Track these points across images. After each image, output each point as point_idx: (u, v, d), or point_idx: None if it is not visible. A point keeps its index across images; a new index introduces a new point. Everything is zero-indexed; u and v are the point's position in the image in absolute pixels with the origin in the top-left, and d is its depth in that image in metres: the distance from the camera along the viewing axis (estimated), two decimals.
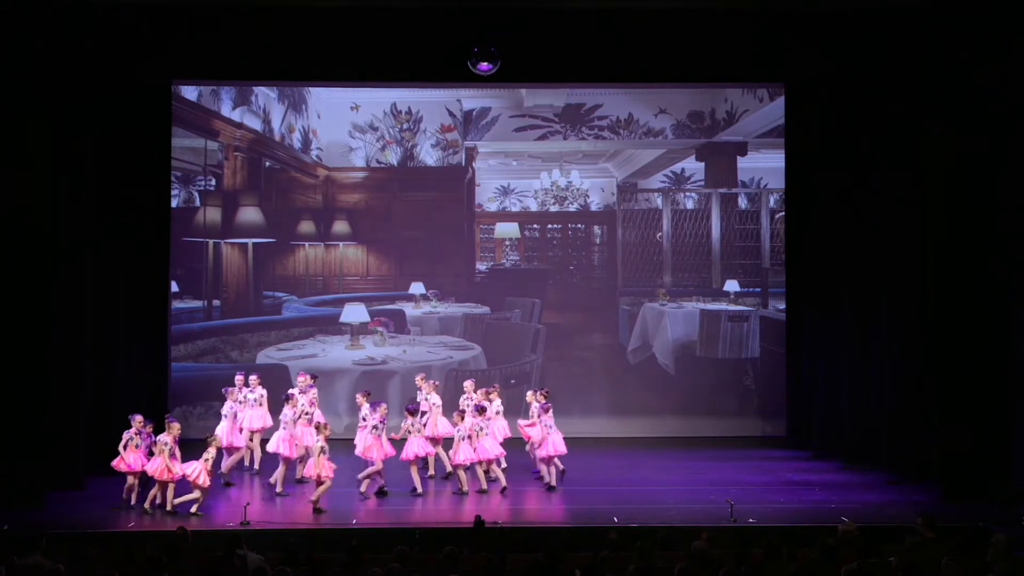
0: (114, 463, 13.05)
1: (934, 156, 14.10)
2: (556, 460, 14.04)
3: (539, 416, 14.01)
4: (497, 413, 14.51)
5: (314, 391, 14.66)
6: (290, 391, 14.39)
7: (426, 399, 14.60)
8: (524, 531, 11.93)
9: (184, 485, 12.78)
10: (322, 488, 12.77)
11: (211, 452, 12.86)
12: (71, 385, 14.06)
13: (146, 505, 12.71)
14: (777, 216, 18.28)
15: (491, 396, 14.62)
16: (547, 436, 13.82)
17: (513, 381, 17.86)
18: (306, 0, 14.95)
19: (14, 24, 13.69)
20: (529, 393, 14.81)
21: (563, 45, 15.35)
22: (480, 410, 13.94)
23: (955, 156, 13.87)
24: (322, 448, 12.81)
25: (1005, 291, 13.65)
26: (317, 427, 13.22)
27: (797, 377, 16.79)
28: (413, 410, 13.87)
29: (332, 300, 18.35)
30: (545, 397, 14.39)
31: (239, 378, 14.87)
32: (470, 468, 13.70)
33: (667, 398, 18.17)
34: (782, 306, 17.39)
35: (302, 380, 14.72)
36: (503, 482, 13.75)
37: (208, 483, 12.70)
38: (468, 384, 14.93)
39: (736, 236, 18.56)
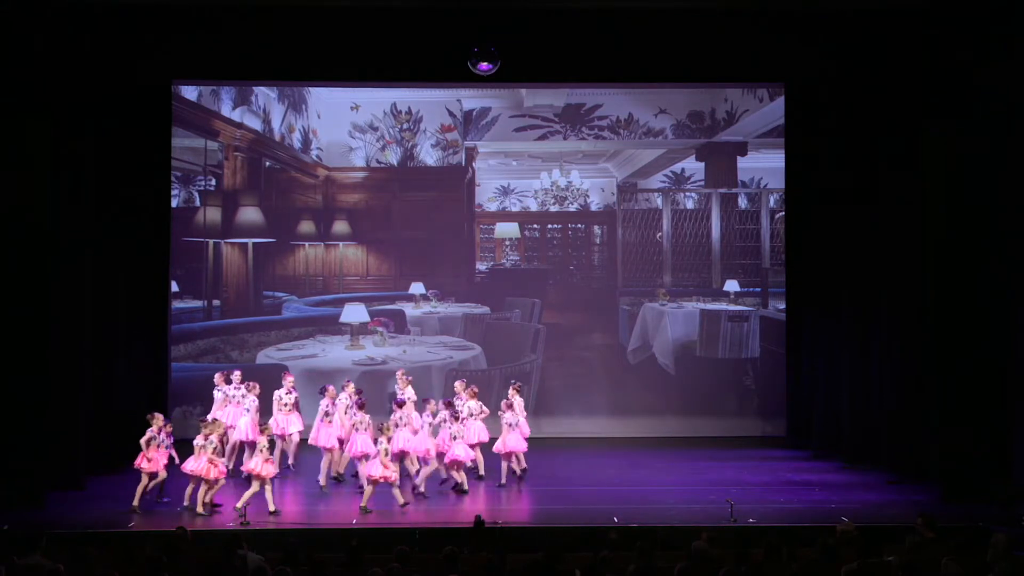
0: (137, 462, 12.97)
1: (934, 156, 14.09)
2: (516, 458, 14.12)
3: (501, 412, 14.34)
4: (472, 416, 14.35)
5: (352, 386, 14.76)
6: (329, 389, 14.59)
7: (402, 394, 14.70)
8: (524, 531, 11.93)
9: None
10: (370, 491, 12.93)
11: (264, 441, 12.92)
12: (71, 385, 14.06)
13: (200, 508, 12.62)
14: (777, 216, 18.28)
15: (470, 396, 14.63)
16: (506, 433, 14.05)
17: (513, 381, 17.84)
18: (306, 0, 14.96)
19: (14, 24, 13.69)
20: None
21: (563, 45, 15.34)
22: (446, 404, 14.05)
23: (955, 156, 13.87)
24: (386, 450, 12.89)
25: (1005, 291, 13.65)
26: (380, 428, 13.21)
27: (797, 377, 16.79)
28: (402, 402, 13.98)
29: (332, 300, 18.36)
30: (517, 392, 14.54)
31: (219, 376, 14.95)
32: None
33: (667, 398, 18.16)
34: (782, 306, 17.39)
35: (289, 381, 14.87)
36: (465, 484, 13.83)
37: (272, 473, 12.76)
38: (458, 384, 14.94)
39: (736, 236, 18.56)
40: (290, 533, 11.75)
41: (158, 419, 13.19)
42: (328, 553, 9.78)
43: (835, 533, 10.19)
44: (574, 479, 14.39)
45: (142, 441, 12.94)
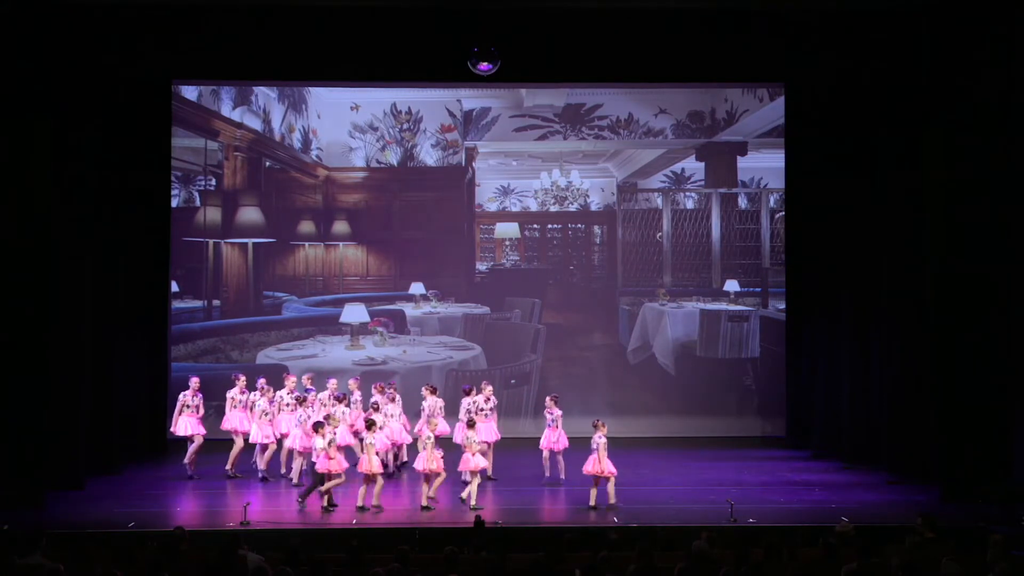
0: (327, 468, 12.82)
1: (934, 155, 14.08)
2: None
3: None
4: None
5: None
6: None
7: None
8: (524, 531, 11.92)
9: None
10: (439, 480, 13.04)
11: (322, 441, 13.02)
12: (71, 385, 14.06)
13: (375, 502, 12.86)
14: (777, 216, 18.28)
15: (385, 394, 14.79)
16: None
17: (513, 381, 17.86)
18: (306, 0, 14.96)
19: (14, 24, 13.68)
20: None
21: (563, 45, 15.36)
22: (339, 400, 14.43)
23: (955, 155, 13.86)
24: (432, 441, 13.11)
25: (1005, 291, 13.65)
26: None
27: (797, 377, 16.80)
28: (340, 397, 14.40)
29: (332, 300, 18.35)
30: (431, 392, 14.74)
31: (194, 382, 14.90)
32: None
33: (667, 398, 18.17)
34: (782, 306, 17.40)
35: (291, 381, 14.94)
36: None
37: (345, 466, 13.00)
38: (352, 383, 15.14)
39: (736, 236, 18.56)
40: (290, 533, 11.74)
41: (335, 420, 13.34)
42: (328, 553, 9.78)
43: (833, 533, 10.19)
44: (574, 479, 14.37)
45: (324, 443, 12.88)
